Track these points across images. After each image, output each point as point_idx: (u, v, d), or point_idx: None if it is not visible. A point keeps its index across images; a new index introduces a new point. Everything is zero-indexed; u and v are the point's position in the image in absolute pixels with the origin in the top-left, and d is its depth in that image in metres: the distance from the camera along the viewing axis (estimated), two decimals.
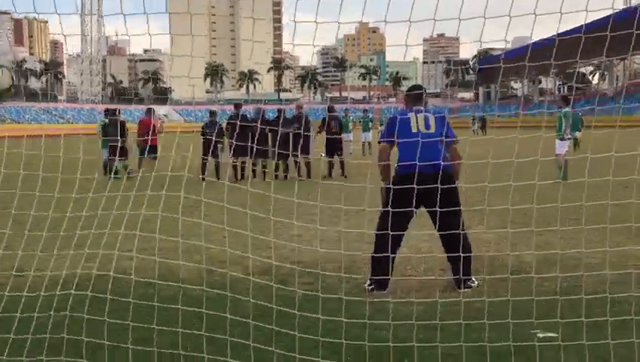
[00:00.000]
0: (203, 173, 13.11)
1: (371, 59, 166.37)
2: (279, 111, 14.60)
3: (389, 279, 5.06)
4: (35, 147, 4.45)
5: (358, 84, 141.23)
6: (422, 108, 5.39)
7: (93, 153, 15.63)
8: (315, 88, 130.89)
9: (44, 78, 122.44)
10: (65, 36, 4.74)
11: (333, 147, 15.57)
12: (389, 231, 4.45)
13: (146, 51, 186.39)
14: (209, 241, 5.18)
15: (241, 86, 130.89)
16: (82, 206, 4.35)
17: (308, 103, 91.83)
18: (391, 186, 5.08)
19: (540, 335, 3.91)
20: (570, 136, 13.10)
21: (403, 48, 3.98)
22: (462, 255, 4.50)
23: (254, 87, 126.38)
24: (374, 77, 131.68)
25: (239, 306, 4.02)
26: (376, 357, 3.62)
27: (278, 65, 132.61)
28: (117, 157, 15.18)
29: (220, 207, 4.23)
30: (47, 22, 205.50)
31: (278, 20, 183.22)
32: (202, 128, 15.25)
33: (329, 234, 6.84)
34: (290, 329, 3.61)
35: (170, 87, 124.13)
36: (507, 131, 5.42)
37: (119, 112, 17.03)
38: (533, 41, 12.65)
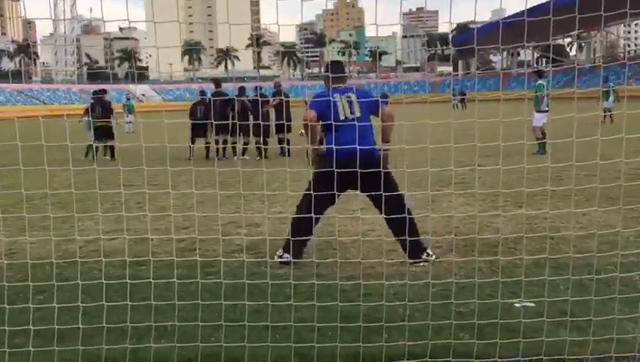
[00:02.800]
0: (191, 155, 13.30)
1: (350, 35, 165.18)
2: (258, 88, 14.56)
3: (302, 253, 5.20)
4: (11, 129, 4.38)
5: (337, 59, 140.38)
6: (343, 86, 5.38)
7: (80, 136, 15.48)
8: (294, 65, 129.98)
9: (17, 59, 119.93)
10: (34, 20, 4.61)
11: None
12: (312, 215, 4.65)
13: (121, 29, 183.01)
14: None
15: (219, 63, 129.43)
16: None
17: (287, 81, 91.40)
18: (322, 170, 5.02)
19: (517, 305, 3.99)
20: (547, 109, 13.28)
21: (381, 23, 3.95)
22: (409, 239, 4.67)
23: (233, 64, 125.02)
24: (354, 52, 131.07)
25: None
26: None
27: (257, 42, 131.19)
28: (104, 139, 15.08)
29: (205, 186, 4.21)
30: (18, 0, 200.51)
31: None
32: (191, 108, 15.26)
33: None
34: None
35: (147, 66, 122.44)
36: (487, 105, 5.46)
37: (106, 92, 16.73)
38: (507, 15, 12.82)
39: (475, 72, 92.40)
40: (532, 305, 3.95)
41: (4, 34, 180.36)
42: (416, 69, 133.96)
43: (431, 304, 3.59)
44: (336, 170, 4.17)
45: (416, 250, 5.13)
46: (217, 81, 16.01)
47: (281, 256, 5.24)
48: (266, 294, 3.99)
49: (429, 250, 5.25)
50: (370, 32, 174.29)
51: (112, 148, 15.35)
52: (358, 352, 3.26)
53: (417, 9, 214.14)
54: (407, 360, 3.23)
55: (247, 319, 3.44)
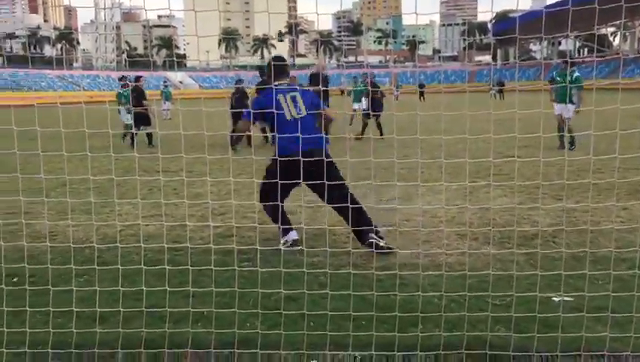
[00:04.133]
0: (236, 143, 13.30)
1: (387, 23, 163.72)
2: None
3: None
4: (54, 114, 4.48)
5: (374, 48, 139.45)
6: (286, 83, 5.52)
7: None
8: (330, 53, 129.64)
9: (58, 46, 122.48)
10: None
11: None
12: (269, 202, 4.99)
13: (160, 17, 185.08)
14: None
15: (255, 51, 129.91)
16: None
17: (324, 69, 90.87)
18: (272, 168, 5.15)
19: (556, 299, 3.93)
20: (575, 101, 12.64)
21: (420, 11, 3.90)
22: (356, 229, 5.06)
23: (269, 52, 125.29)
24: (391, 40, 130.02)
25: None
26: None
27: (294, 30, 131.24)
28: (142, 126, 15.33)
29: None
30: None
31: None
32: (231, 97, 15.48)
33: None
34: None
35: (185, 53, 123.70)
36: (526, 96, 5.36)
37: (142, 80, 16.97)
38: (549, 4, 12.49)
39: (515, 61, 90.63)
40: (570, 299, 3.89)
41: (47, 21, 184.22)
42: (454, 58, 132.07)
43: (467, 295, 3.56)
44: (285, 167, 4.51)
45: (364, 235, 5.18)
46: (263, 70, 16.04)
47: (285, 243, 5.29)
48: (300, 282, 4.03)
49: (380, 235, 5.24)
50: (407, 20, 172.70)
51: (149, 134, 15.59)
52: (393, 342, 3.25)
53: None
54: (443, 351, 3.22)
55: (283, 307, 3.47)
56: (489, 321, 3.45)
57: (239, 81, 16.08)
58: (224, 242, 5.16)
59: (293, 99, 5.38)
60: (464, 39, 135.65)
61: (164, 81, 34.69)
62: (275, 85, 5.40)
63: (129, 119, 16.52)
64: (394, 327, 3.38)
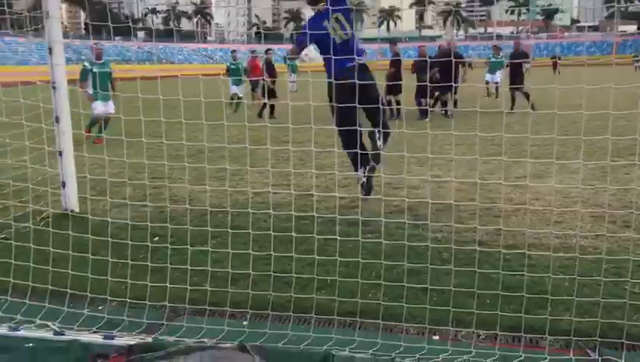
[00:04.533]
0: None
1: None
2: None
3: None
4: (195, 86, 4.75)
5: (505, 19, 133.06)
6: (327, 6, 5.60)
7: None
8: (458, 24, 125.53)
9: (195, 20, 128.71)
10: None
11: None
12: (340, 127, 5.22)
13: None
14: None
15: (381, 24, 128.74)
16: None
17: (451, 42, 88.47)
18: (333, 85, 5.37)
19: None
20: None
21: None
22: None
23: (395, 24, 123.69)
24: (524, 10, 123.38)
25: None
26: None
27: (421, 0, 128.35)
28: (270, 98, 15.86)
29: None
30: None
31: None
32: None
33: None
34: None
35: None
36: None
37: (270, 53, 17.59)
38: None
39: None
40: None
41: None
42: (595, 29, 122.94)
43: (602, 280, 3.37)
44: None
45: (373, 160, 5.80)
46: (394, 41, 16.08)
47: (360, 178, 5.93)
48: (423, 256, 4.01)
49: (366, 172, 5.90)
50: None
51: (272, 106, 16.04)
52: (519, 323, 3.17)
53: None
54: (573, 336, 3.08)
55: (406, 280, 3.48)
56: (626, 309, 3.25)
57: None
58: (348, 213, 5.24)
59: (338, 21, 5.70)
60: (607, 7, 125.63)
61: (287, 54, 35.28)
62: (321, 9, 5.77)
63: (235, 90, 17.41)
64: (520, 308, 3.28)
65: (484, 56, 30.19)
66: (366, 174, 5.86)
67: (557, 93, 3.28)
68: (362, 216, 3.99)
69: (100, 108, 11.60)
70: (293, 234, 3.74)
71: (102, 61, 12.10)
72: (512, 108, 15.47)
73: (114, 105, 11.87)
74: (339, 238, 3.67)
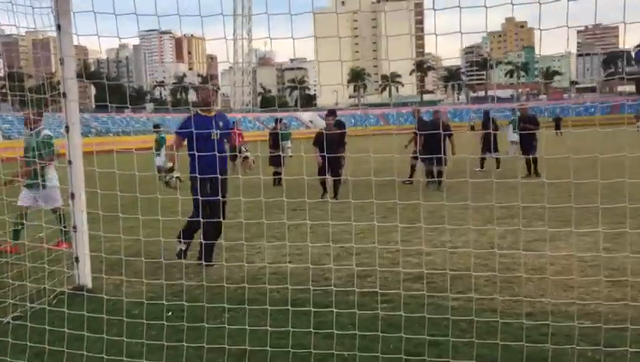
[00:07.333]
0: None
1: (519, 55, 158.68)
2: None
3: None
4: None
5: (504, 81, 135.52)
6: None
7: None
8: (459, 88, 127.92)
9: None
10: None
11: None
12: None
13: (292, 60, 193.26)
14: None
15: (383, 90, 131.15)
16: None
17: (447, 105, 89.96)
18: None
19: None
20: None
21: (553, 42, 3.77)
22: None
23: (397, 89, 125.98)
24: (522, 73, 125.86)
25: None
26: None
27: (421, 66, 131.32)
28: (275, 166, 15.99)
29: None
30: (204, 39, 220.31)
31: (419, 22, 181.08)
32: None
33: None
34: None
35: (314, 94, 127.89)
36: None
37: (280, 123, 18.01)
38: None
39: None
40: None
41: (191, 69, 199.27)
42: (592, 90, 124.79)
43: (629, 351, 3.30)
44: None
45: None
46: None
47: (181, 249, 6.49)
48: (439, 326, 3.95)
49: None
50: (540, 51, 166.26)
51: (278, 173, 16.10)
52: None
53: (593, 26, 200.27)
54: None
55: (427, 353, 3.42)
56: None
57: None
58: (361, 283, 5.19)
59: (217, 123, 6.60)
60: (604, 68, 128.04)
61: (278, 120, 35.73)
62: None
63: (158, 162, 16.93)
64: None
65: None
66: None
67: (570, 164, 3.31)
68: (374, 286, 3.97)
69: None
70: (312, 308, 3.71)
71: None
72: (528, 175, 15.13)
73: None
74: (357, 311, 3.63)
